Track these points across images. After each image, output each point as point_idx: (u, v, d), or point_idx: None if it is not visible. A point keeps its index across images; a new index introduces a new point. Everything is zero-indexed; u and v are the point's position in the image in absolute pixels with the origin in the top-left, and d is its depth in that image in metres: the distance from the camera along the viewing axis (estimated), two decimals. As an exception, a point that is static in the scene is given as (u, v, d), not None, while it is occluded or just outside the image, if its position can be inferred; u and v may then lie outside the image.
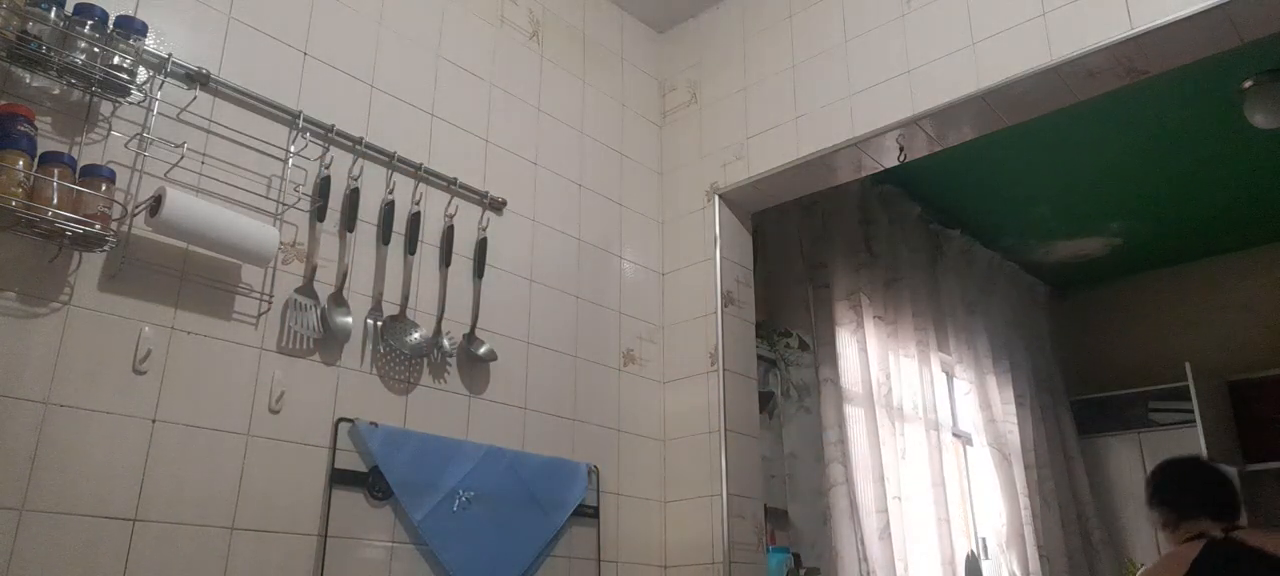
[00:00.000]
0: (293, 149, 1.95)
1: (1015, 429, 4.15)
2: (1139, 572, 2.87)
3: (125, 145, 1.69)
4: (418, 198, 2.18)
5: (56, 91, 1.64)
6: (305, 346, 1.89)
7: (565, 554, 2.26)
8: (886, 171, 2.71)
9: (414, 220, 2.15)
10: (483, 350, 2.21)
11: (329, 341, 1.93)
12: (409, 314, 2.08)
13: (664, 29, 3.10)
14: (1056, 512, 4.20)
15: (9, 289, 1.52)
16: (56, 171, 1.53)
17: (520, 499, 2.17)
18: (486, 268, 2.28)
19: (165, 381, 1.66)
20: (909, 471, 3.37)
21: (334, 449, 1.88)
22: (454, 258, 2.22)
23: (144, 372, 1.64)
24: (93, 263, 1.62)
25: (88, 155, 1.64)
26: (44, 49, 1.55)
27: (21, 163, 1.49)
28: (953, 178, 3.86)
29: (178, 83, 1.79)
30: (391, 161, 2.13)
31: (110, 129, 1.69)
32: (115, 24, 1.65)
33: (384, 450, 1.94)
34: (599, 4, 2.92)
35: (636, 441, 2.57)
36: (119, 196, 1.64)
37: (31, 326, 1.53)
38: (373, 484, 1.92)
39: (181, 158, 1.75)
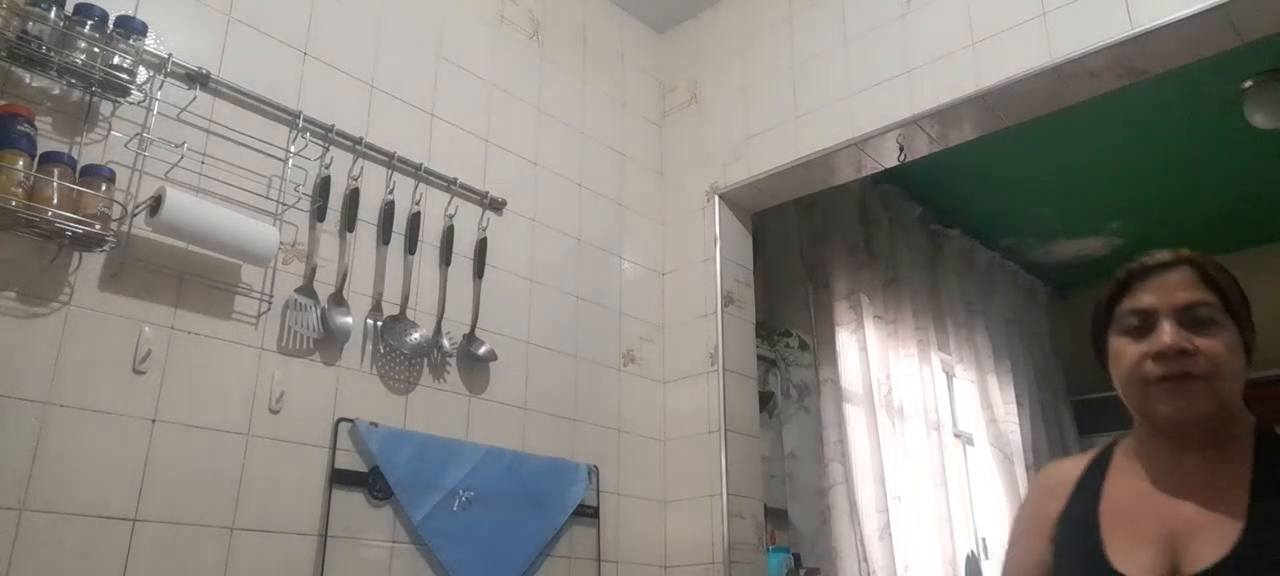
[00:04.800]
0: (293, 149, 1.95)
1: (1016, 429, 4.14)
2: None
3: (125, 145, 1.69)
4: (418, 198, 2.18)
5: (56, 91, 1.64)
6: (305, 346, 1.89)
7: (565, 554, 2.26)
8: (886, 171, 2.71)
9: (414, 220, 2.15)
10: (483, 350, 2.21)
11: (329, 341, 1.93)
12: (409, 314, 2.08)
13: (664, 29, 3.10)
14: (1056, 512, 4.19)
15: (9, 289, 1.52)
16: (56, 171, 1.53)
17: (520, 499, 2.17)
18: (486, 268, 2.28)
19: (165, 381, 1.66)
20: (909, 471, 3.37)
21: (334, 449, 1.88)
22: (454, 258, 2.22)
23: (144, 372, 1.64)
24: (93, 262, 1.62)
25: (88, 155, 1.64)
26: (44, 49, 1.55)
27: (21, 163, 1.49)
28: (953, 178, 3.86)
29: (178, 83, 1.79)
30: (391, 161, 2.13)
31: (110, 129, 1.69)
32: (115, 24, 1.65)
33: (384, 450, 1.94)
34: (599, 4, 2.92)
35: (636, 441, 2.57)
36: (119, 196, 1.64)
37: (31, 326, 1.53)
38: (373, 484, 1.92)
39: (181, 158, 1.75)
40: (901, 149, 2.50)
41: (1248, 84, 3.25)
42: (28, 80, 1.60)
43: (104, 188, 1.59)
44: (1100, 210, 4.29)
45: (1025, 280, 4.92)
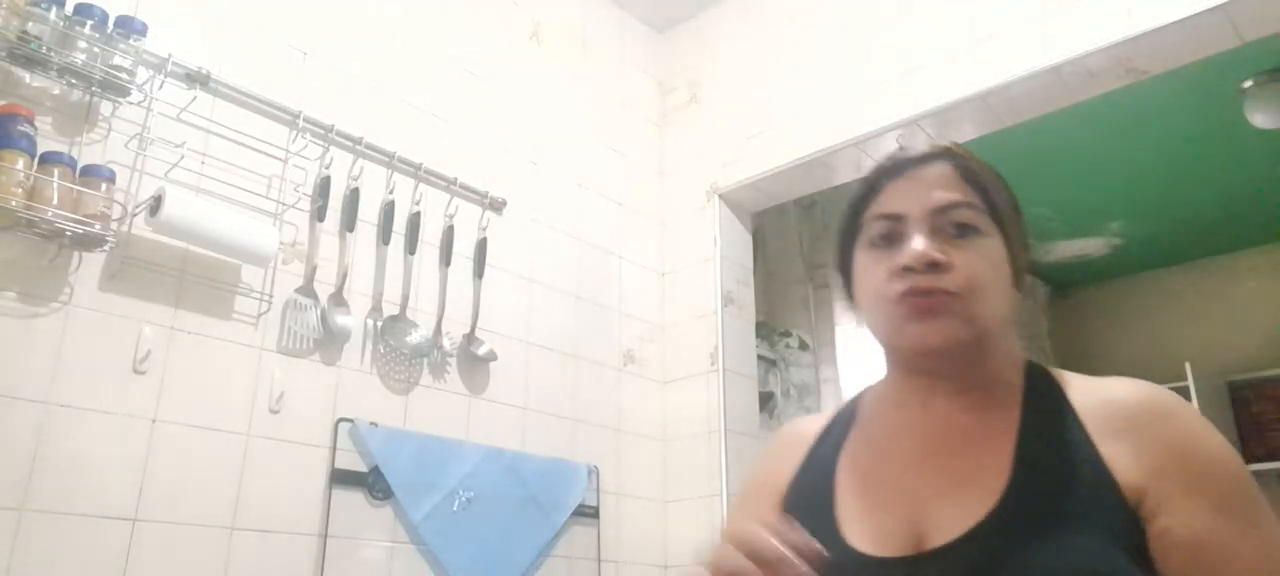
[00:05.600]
0: (293, 149, 1.95)
1: (1015, 429, 4.14)
2: None
3: (125, 145, 1.69)
4: (418, 198, 2.18)
5: (56, 91, 1.64)
6: (305, 346, 1.89)
7: (565, 554, 2.26)
8: (886, 171, 2.71)
9: (414, 220, 2.15)
10: (483, 350, 2.21)
11: (329, 341, 1.93)
12: (409, 314, 2.08)
13: (664, 29, 3.10)
14: (1056, 512, 4.19)
15: (9, 289, 1.52)
16: (56, 171, 1.54)
17: (520, 499, 2.17)
18: (486, 268, 2.28)
19: (165, 381, 1.66)
20: (909, 471, 3.37)
21: (334, 449, 1.88)
22: (454, 257, 2.22)
23: (144, 372, 1.64)
24: (93, 262, 1.62)
25: (88, 155, 1.64)
26: (44, 49, 1.55)
27: (21, 163, 1.50)
28: (953, 178, 3.86)
29: (178, 83, 1.79)
30: (391, 161, 2.13)
31: (110, 129, 1.69)
32: (115, 24, 1.65)
33: (384, 450, 1.94)
34: (599, 4, 2.92)
35: (636, 441, 2.57)
36: (119, 196, 1.64)
37: (31, 326, 1.53)
38: (373, 484, 1.92)
39: (181, 158, 1.75)
40: (901, 149, 2.49)
41: (1248, 84, 3.25)
42: (28, 80, 1.60)
43: (104, 188, 1.59)
44: (1100, 210, 4.29)
45: (1025, 280, 4.92)
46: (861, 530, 0.79)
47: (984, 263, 0.82)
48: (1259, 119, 3.30)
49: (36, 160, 1.53)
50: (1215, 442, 0.75)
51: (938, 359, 0.82)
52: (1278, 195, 4.10)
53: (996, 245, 0.85)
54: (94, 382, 1.57)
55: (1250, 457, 4.24)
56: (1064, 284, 5.14)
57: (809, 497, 0.87)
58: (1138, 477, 0.72)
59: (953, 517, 0.75)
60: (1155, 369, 4.63)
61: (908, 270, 0.80)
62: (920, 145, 0.89)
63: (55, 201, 1.52)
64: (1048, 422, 0.79)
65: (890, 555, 0.75)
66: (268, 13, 1.99)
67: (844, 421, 0.93)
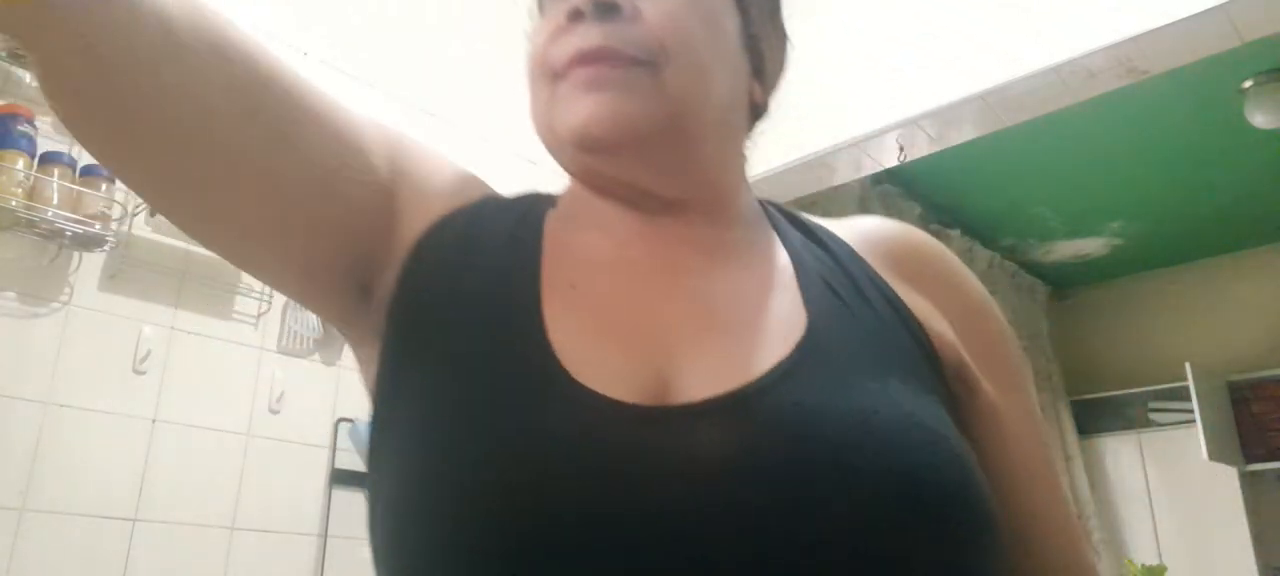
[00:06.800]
0: (293, 149, 1.95)
1: (1015, 429, 4.14)
2: None
3: (125, 145, 1.69)
4: (418, 198, 2.18)
5: (56, 91, 1.64)
6: (305, 346, 1.89)
7: (565, 554, 2.25)
8: (886, 171, 2.71)
9: (414, 220, 2.15)
10: (483, 350, 2.21)
11: (329, 341, 1.93)
12: (409, 314, 2.08)
13: (664, 29, 3.10)
14: (1056, 512, 4.19)
15: (9, 289, 1.52)
16: (56, 171, 1.54)
17: (520, 499, 2.17)
18: (486, 268, 2.28)
19: (165, 381, 1.66)
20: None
21: (334, 449, 1.88)
22: (454, 258, 2.22)
23: (144, 372, 1.64)
24: (93, 262, 1.62)
25: (88, 155, 1.63)
26: (44, 49, 1.55)
27: (21, 163, 1.50)
28: (953, 178, 3.86)
29: (178, 83, 1.79)
30: (391, 161, 2.13)
31: (110, 129, 1.69)
32: (115, 24, 1.65)
33: (384, 450, 1.94)
34: (599, 4, 2.92)
35: (636, 441, 2.57)
36: (119, 196, 1.64)
37: (31, 326, 1.53)
38: (373, 484, 1.92)
39: (181, 158, 1.75)
40: (901, 149, 2.50)
41: (1248, 84, 3.25)
42: (28, 80, 1.60)
43: (104, 188, 1.59)
44: (1100, 210, 4.30)
45: (1025, 280, 4.93)
46: (588, 361, 0.50)
47: (693, 17, 0.56)
48: (1259, 119, 3.30)
49: (36, 160, 1.53)
50: (993, 300, 0.62)
51: (616, 155, 0.55)
52: (1278, 195, 4.10)
53: (721, 1, 0.59)
54: (94, 382, 1.57)
55: (1250, 457, 4.25)
56: (1064, 284, 5.14)
57: (492, 283, 0.55)
58: (950, 334, 0.56)
59: (720, 362, 0.50)
60: (1155, 369, 4.64)
61: (577, 17, 0.56)
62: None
63: (55, 201, 1.52)
64: (825, 252, 0.58)
65: (641, 402, 0.48)
66: (266, 13, 1.99)
67: (539, 206, 0.64)
